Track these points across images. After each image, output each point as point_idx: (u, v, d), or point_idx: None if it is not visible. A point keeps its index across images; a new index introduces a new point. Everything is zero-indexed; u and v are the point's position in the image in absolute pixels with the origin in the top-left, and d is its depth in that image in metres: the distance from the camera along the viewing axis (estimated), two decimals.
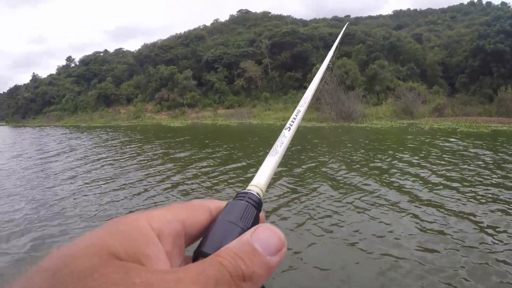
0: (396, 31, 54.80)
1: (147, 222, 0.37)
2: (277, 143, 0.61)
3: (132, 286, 0.28)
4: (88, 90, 72.18)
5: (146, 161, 14.28)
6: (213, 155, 15.01)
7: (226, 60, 56.92)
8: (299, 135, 22.04)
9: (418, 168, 11.17)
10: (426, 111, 33.91)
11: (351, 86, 36.34)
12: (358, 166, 11.77)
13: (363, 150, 15.24)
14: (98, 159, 15.57)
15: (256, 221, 0.44)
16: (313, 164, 12.26)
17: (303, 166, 11.88)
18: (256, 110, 45.42)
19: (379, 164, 11.98)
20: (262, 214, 0.48)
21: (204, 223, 0.43)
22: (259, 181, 0.51)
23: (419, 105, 33.99)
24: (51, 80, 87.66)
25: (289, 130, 0.64)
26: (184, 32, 76.91)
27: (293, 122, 0.67)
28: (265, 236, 0.37)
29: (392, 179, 9.75)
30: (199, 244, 0.41)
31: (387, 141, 18.23)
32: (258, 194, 0.49)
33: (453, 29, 58.06)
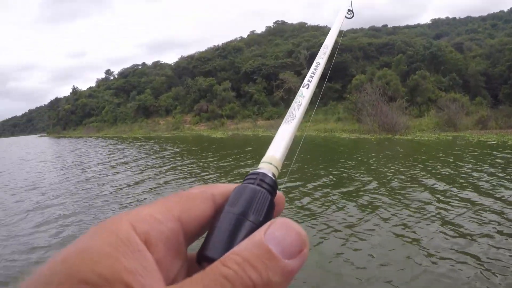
0: (436, 41, 54.45)
1: (130, 225, 0.30)
2: (294, 105, 0.53)
3: None
4: (127, 102, 75.01)
5: (214, 170, 15.39)
6: None
7: (265, 71, 58.02)
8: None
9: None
10: (469, 123, 33.66)
11: (393, 97, 36.44)
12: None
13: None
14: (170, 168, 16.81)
15: (270, 211, 0.37)
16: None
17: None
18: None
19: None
20: (280, 195, 0.41)
21: (207, 215, 0.36)
22: (274, 155, 0.43)
23: (462, 117, 33.83)
24: (91, 92, 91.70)
25: (307, 88, 0.57)
26: (222, 44, 78.59)
27: (311, 77, 0.60)
28: (282, 234, 0.31)
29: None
30: (203, 242, 0.35)
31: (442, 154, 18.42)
32: (273, 173, 0.41)
33: (495, 37, 57.10)
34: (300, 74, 55.40)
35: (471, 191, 9.85)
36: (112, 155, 25.71)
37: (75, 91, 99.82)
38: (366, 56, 54.45)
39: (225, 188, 0.39)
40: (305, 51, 57.09)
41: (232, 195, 0.37)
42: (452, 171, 13.08)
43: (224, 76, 61.90)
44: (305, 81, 0.58)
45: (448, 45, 51.90)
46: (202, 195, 0.37)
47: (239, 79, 60.62)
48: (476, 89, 43.27)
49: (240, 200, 0.36)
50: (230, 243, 0.32)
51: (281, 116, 50.62)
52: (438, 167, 14.00)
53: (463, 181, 11.33)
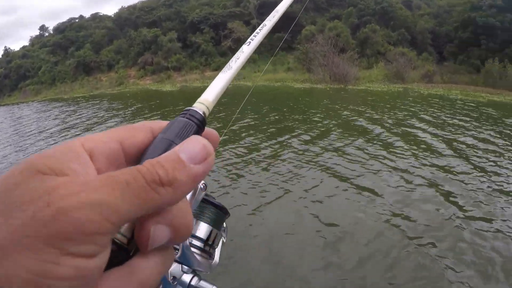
0: None
1: (80, 143, 0.37)
2: (233, 58, 0.57)
3: (42, 190, 0.29)
4: (65, 59, 67.61)
5: None
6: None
7: (212, 20, 55.14)
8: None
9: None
10: (416, 77, 34.26)
11: (343, 49, 36.10)
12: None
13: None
14: None
15: None
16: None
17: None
18: (245, 72, 44.72)
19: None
20: (214, 133, 0.47)
21: (145, 142, 0.42)
22: (207, 98, 0.50)
23: (409, 71, 34.37)
24: (25, 52, 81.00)
25: (248, 45, 0.61)
26: None
27: (255, 36, 0.63)
28: (191, 145, 0.37)
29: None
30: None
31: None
32: (203, 112, 0.47)
33: None
34: (249, 24, 53.52)
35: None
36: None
37: (7, 52, 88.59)
38: (317, 7, 53.35)
39: (162, 122, 0.45)
40: (255, 0, 55.08)
41: (166, 126, 0.43)
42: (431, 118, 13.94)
43: (169, 27, 58.05)
44: (249, 39, 0.62)
45: (398, 1, 52.01)
46: (142, 126, 0.43)
47: (186, 29, 57.27)
48: (422, 45, 43.76)
49: (170, 129, 0.42)
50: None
51: None
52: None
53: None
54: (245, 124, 14.00)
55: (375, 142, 10.91)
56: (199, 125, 0.45)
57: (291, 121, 14.81)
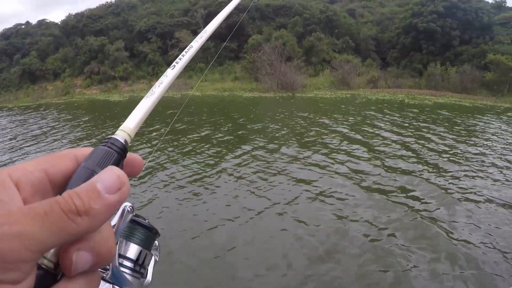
0: (332, 5, 55.50)
1: (7, 173, 0.38)
2: (156, 83, 0.58)
3: None
4: (10, 66, 64.63)
5: None
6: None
7: (160, 30, 54.20)
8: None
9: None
10: (361, 83, 35.13)
11: (290, 57, 36.41)
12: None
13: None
14: None
15: (115, 166, 0.45)
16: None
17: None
18: (193, 81, 44.08)
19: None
20: (138, 159, 0.49)
21: (70, 170, 0.43)
22: (128, 125, 0.51)
23: (355, 77, 35.22)
24: None
25: (173, 69, 0.62)
26: (115, 0, 72.12)
27: (180, 59, 0.64)
28: (107, 176, 0.39)
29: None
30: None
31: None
32: (124, 139, 0.48)
33: (385, 6, 59.93)
34: (196, 33, 52.23)
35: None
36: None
37: None
38: (263, 16, 53.72)
39: (86, 151, 0.46)
40: (202, 9, 54.39)
41: (89, 155, 0.44)
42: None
43: (116, 35, 56.56)
44: (174, 62, 0.64)
45: (342, 10, 53.29)
46: (67, 155, 0.44)
47: (133, 38, 55.83)
48: (366, 52, 45.03)
49: (91, 157, 0.44)
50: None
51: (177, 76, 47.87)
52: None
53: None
54: (197, 137, 13.66)
55: (334, 148, 11.26)
56: (120, 152, 0.46)
57: (246, 130, 14.70)
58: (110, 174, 0.39)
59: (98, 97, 41.64)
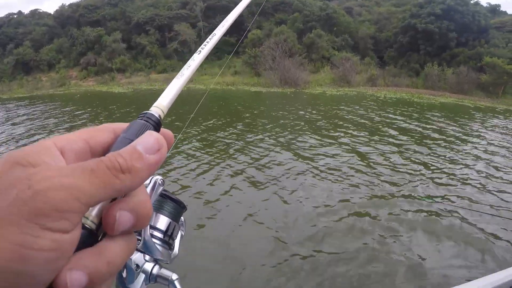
0: (331, 3, 55.85)
1: (52, 142, 0.41)
2: (185, 66, 0.63)
3: (23, 176, 0.34)
4: (3, 56, 63.11)
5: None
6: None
7: (158, 22, 53.81)
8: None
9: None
10: (361, 81, 35.70)
11: (291, 54, 36.82)
12: None
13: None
14: None
15: None
16: None
17: None
18: (193, 75, 44.02)
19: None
20: (169, 133, 0.52)
21: (108, 141, 0.46)
22: (161, 102, 0.55)
23: (354, 75, 35.76)
24: None
25: (199, 54, 0.66)
26: None
27: (205, 45, 0.68)
28: (146, 139, 0.42)
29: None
30: None
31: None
32: (159, 114, 0.52)
33: (381, 6, 60.55)
34: (196, 26, 53.01)
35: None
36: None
37: None
38: (263, 11, 53.72)
39: (123, 125, 0.49)
40: (201, 3, 54.49)
41: (126, 127, 0.48)
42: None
43: (114, 27, 55.88)
44: (199, 48, 0.67)
45: (339, 8, 53.76)
46: (106, 127, 0.48)
47: (131, 30, 55.24)
48: (364, 50, 45.64)
49: (130, 129, 0.47)
50: None
51: (174, 69, 47.28)
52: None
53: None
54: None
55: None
56: (155, 126, 0.49)
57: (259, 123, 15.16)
58: (149, 137, 0.43)
59: (97, 88, 41.13)
